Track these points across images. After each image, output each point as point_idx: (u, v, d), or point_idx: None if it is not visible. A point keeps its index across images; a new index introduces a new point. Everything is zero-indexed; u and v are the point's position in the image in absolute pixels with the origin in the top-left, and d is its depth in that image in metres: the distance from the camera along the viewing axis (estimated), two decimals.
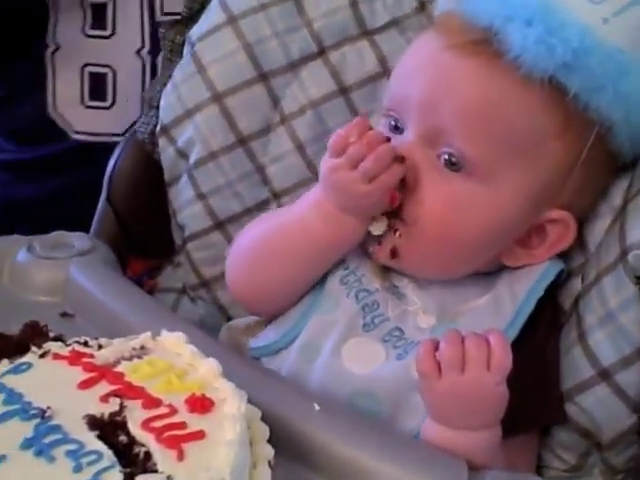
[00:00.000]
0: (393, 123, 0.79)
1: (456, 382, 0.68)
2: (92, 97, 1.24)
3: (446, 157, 0.75)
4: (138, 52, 1.22)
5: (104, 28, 1.21)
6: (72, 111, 1.24)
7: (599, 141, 0.75)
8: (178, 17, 0.98)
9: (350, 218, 0.76)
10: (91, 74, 1.23)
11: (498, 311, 0.77)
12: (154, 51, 1.20)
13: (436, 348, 0.69)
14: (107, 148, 1.05)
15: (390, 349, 0.77)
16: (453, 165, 0.75)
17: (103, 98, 1.24)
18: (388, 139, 0.75)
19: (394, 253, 0.77)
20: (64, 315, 0.84)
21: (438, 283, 0.80)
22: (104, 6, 1.20)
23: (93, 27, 1.21)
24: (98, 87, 1.23)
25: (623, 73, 0.73)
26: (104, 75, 1.23)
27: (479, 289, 0.80)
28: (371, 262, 0.80)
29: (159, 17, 1.21)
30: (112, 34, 1.21)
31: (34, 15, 1.20)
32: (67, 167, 1.25)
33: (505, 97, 0.74)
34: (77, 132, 1.24)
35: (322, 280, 0.81)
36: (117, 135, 1.18)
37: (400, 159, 0.75)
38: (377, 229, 0.77)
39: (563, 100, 0.73)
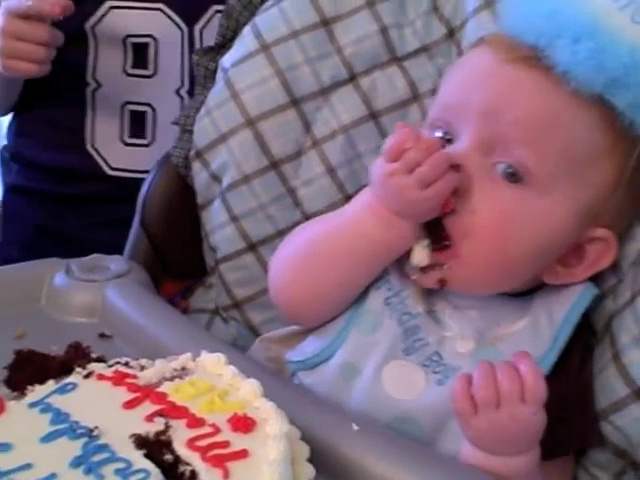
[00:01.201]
0: (440, 134, 0.79)
1: (493, 418, 0.68)
2: (132, 135, 1.25)
3: (504, 167, 0.75)
4: (177, 91, 1.23)
5: (146, 68, 1.23)
6: (110, 148, 1.25)
7: None
8: (211, 45, 1.00)
9: (403, 221, 0.75)
10: (131, 112, 1.24)
11: (537, 337, 0.77)
12: (192, 90, 1.19)
13: (470, 381, 0.69)
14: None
15: (430, 374, 0.77)
16: (512, 176, 0.75)
17: (142, 136, 1.25)
18: (443, 146, 0.75)
19: (442, 282, 0.77)
20: (102, 336, 0.86)
21: (475, 307, 0.80)
22: (146, 46, 1.22)
23: (135, 66, 1.23)
24: (138, 125, 1.25)
25: None
26: (144, 113, 1.24)
27: (515, 312, 0.80)
28: (416, 285, 0.80)
29: None
30: (154, 74, 1.23)
31: (73, 54, 1.21)
32: (104, 202, 1.27)
33: (566, 110, 0.75)
34: (113, 168, 1.26)
35: (361, 296, 0.81)
36: None
37: (456, 167, 0.74)
38: (420, 260, 0.76)
39: (612, 118, 0.74)
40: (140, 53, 1.22)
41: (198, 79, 1.01)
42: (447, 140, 0.78)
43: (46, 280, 0.92)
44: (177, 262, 1.04)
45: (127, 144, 1.26)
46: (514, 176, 0.75)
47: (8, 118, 1.36)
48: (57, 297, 0.91)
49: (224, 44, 0.99)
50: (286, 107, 0.95)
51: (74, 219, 1.28)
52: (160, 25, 1.21)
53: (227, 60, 0.98)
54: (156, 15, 1.21)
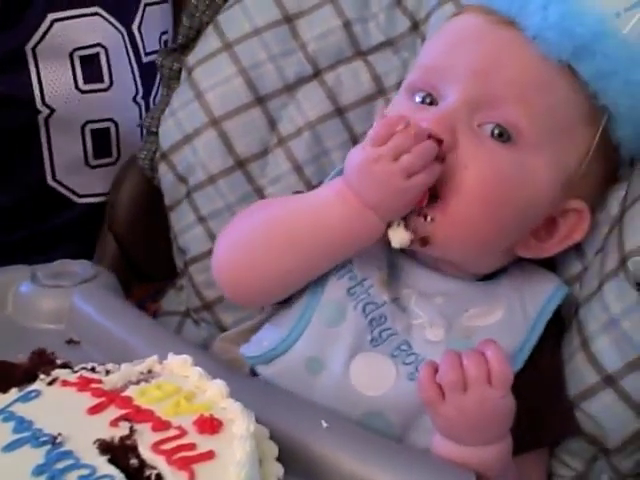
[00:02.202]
0: (419, 99, 0.78)
1: (461, 404, 0.68)
2: (97, 155, 1.16)
3: (492, 127, 0.75)
4: (134, 99, 1.17)
5: (101, 80, 1.13)
6: (75, 175, 1.15)
7: (606, 133, 0.77)
8: (174, 45, 0.99)
9: (373, 216, 0.73)
10: (93, 131, 1.14)
11: (512, 330, 0.77)
12: (145, 94, 1.16)
13: (436, 370, 0.69)
14: None
15: (400, 365, 0.76)
16: (500, 136, 0.75)
17: (108, 154, 1.16)
18: (429, 136, 0.73)
19: (425, 241, 0.75)
20: (70, 342, 0.85)
21: (440, 293, 0.79)
22: (96, 57, 1.13)
23: (88, 81, 1.13)
24: (102, 144, 1.15)
25: (634, 63, 0.75)
26: (107, 130, 1.15)
27: (481, 298, 0.79)
28: (379, 272, 0.79)
29: (144, 58, 1.17)
30: (110, 85, 1.14)
31: (12, 83, 1.10)
32: (77, 232, 1.17)
33: (549, 74, 0.75)
34: (82, 196, 1.16)
35: (318, 285, 0.79)
36: None
37: (440, 159, 0.73)
38: (401, 240, 0.74)
39: (581, 87, 0.75)
40: (91, 65, 1.13)
41: (163, 80, 1.00)
42: (429, 104, 0.77)
43: (12, 287, 0.91)
44: (147, 265, 1.03)
45: (93, 167, 1.16)
46: (502, 136, 0.75)
47: None
48: (23, 304, 0.90)
49: (187, 44, 0.98)
50: (251, 105, 0.94)
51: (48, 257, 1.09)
52: (104, 31, 1.13)
53: (191, 60, 0.97)
54: (96, 21, 1.12)
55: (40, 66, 1.10)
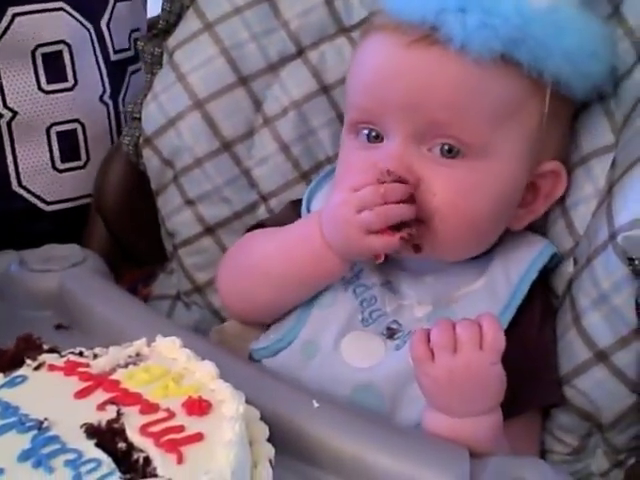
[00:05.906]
0: (367, 132, 0.79)
1: (450, 365, 0.68)
2: (64, 159, 1.09)
3: (440, 147, 0.76)
4: (101, 98, 1.11)
5: (65, 79, 1.07)
6: (43, 181, 1.08)
7: (555, 92, 0.78)
8: (155, 31, 0.97)
9: (333, 257, 0.77)
10: (59, 134, 1.08)
11: (493, 295, 0.78)
12: (114, 93, 1.11)
13: (429, 335, 0.70)
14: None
15: (388, 342, 0.78)
16: (449, 152, 0.76)
17: (77, 157, 1.09)
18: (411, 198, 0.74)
19: (417, 248, 0.76)
20: (59, 327, 0.84)
21: (431, 272, 0.80)
22: (59, 54, 1.06)
23: (51, 81, 1.06)
24: (70, 146, 1.09)
25: (562, 31, 0.75)
26: (74, 131, 1.09)
27: (473, 274, 0.80)
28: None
29: (113, 56, 1.12)
30: (75, 84, 1.08)
31: None
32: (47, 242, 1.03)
33: (481, 77, 0.74)
34: (50, 203, 1.09)
35: None
36: None
37: (412, 200, 0.74)
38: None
39: (520, 67, 0.75)
40: (54, 64, 1.05)
41: (145, 66, 0.98)
42: (375, 137, 0.78)
43: None
44: (136, 249, 1.03)
45: (61, 170, 1.09)
46: (451, 152, 0.76)
47: None
48: (12, 289, 0.89)
49: (168, 29, 0.96)
50: (234, 86, 0.94)
51: None
52: (68, 27, 1.06)
53: (171, 42, 0.95)
54: (60, 16, 1.05)
55: (1, 65, 1.04)
